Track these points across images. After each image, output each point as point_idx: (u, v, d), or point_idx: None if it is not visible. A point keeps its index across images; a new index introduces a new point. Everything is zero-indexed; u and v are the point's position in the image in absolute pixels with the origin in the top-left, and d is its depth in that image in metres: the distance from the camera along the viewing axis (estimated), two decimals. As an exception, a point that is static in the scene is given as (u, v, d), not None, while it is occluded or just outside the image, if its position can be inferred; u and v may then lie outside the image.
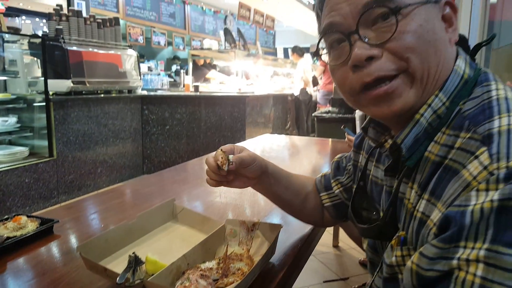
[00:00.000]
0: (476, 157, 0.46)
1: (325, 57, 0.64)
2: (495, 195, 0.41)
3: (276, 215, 1.09)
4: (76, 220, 1.10)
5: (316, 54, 0.67)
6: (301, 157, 2.11)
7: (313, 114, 4.84)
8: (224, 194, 1.29)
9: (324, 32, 0.61)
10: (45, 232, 0.95)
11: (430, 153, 0.55)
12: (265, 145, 2.32)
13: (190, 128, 4.66)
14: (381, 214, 0.69)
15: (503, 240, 0.40)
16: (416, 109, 0.57)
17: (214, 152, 0.78)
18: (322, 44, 0.64)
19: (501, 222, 0.40)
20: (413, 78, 0.55)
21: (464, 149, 0.49)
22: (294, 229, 0.99)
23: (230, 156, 0.75)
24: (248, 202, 1.23)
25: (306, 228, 0.99)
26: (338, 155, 0.94)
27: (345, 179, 0.89)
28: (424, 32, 0.54)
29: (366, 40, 0.55)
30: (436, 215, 0.49)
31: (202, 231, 0.88)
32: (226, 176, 0.77)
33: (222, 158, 0.74)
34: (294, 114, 6.32)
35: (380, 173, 0.71)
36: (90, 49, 4.10)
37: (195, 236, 0.86)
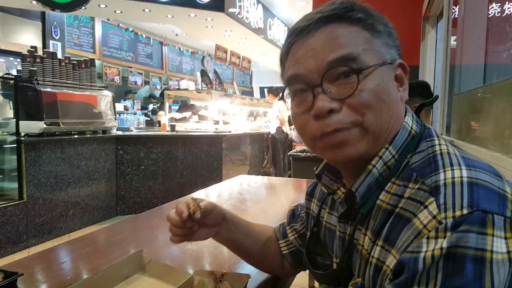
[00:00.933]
0: (426, 207, 0.50)
1: (288, 102, 0.70)
2: (444, 243, 0.45)
3: (245, 263, 1.09)
4: (43, 271, 1.06)
5: (282, 99, 0.72)
6: (276, 198, 2.13)
7: (289, 153, 4.90)
8: (195, 242, 1.28)
9: (290, 81, 0.66)
10: (8, 287, 0.91)
11: (381, 201, 0.59)
12: (241, 186, 2.32)
13: (166, 168, 4.62)
14: (334, 260, 0.72)
15: (451, 285, 0.43)
16: (367, 159, 0.61)
17: (176, 207, 0.78)
18: (287, 90, 0.69)
19: (449, 267, 0.44)
20: (366, 132, 0.60)
21: (414, 198, 0.53)
22: (264, 277, 0.99)
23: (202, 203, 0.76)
24: (220, 247, 1.23)
25: (275, 276, 0.99)
26: (295, 204, 0.97)
27: (299, 225, 0.91)
28: (380, 91, 0.60)
29: (329, 93, 0.60)
30: (391, 261, 0.53)
31: (170, 283, 0.87)
32: (191, 227, 0.78)
33: (193, 205, 0.75)
34: (271, 153, 6.38)
35: (334, 220, 0.74)
36: (65, 90, 4.08)
37: (162, 288, 0.85)
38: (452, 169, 0.52)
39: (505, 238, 0.44)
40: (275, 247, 0.94)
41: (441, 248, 0.45)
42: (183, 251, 1.19)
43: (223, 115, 6.08)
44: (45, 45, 6.16)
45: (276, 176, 6.14)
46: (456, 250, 0.44)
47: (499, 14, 2.16)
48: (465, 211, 0.46)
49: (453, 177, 0.50)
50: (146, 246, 1.23)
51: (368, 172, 0.61)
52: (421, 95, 2.11)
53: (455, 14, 2.68)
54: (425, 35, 3.87)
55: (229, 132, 4.94)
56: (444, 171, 0.52)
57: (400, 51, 0.65)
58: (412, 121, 0.65)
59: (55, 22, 6.55)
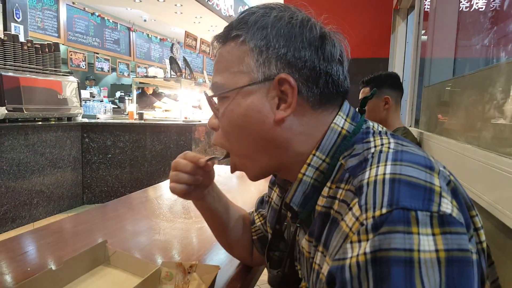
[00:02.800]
0: (350, 209, 0.48)
1: None
2: (367, 247, 0.42)
3: (215, 253, 1.08)
4: (2, 262, 1.01)
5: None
6: (246, 188, 2.12)
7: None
8: (164, 231, 1.26)
9: None
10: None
11: (318, 205, 0.58)
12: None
13: (133, 157, 4.52)
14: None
15: None
16: (288, 168, 0.63)
17: (185, 156, 0.78)
18: None
19: (377, 274, 0.41)
20: (238, 157, 0.66)
21: (344, 200, 0.51)
22: (234, 268, 0.98)
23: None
24: (189, 238, 1.21)
25: (245, 268, 0.99)
26: (265, 192, 0.96)
27: (265, 211, 0.90)
28: (235, 116, 0.61)
29: (215, 112, 0.65)
30: (325, 269, 0.50)
31: (136, 275, 0.84)
32: (197, 177, 0.77)
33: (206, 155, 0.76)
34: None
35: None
36: (28, 75, 3.91)
37: (128, 280, 0.82)
38: (377, 166, 0.49)
39: (433, 234, 0.41)
40: (248, 231, 0.94)
41: (365, 253, 0.42)
42: (151, 242, 1.16)
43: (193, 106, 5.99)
44: (6, 28, 5.84)
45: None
46: (381, 253, 0.41)
47: (467, 8, 2.21)
48: (384, 210, 0.43)
49: (376, 175, 0.48)
50: (112, 236, 1.20)
51: (299, 181, 0.60)
52: (390, 87, 2.14)
53: (426, 7, 2.73)
54: (395, 27, 3.93)
55: (199, 121, 4.88)
56: (370, 169, 0.50)
57: (292, 62, 0.58)
58: (345, 120, 0.62)
59: (16, 4, 6.21)
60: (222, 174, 2.41)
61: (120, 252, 0.89)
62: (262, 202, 0.94)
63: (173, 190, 0.77)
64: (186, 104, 5.18)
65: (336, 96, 0.62)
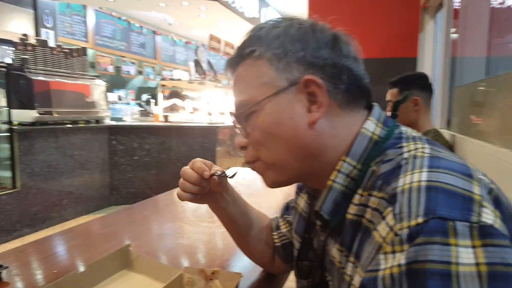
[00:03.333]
0: (384, 218, 0.46)
1: None
2: (401, 259, 0.40)
3: (239, 259, 1.06)
4: (28, 264, 1.03)
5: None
6: (271, 192, 2.08)
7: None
8: (188, 235, 1.25)
9: None
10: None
11: (349, 214, 0.56)
12: (235, 179, 2.28)
13: (159, 159, 4.58)
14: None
15: None
16: (316, 175, 0.61)
17: (193, 165, 0.77)
18: None
19: (412, 287, 0.39)
20: (266, 165, 0.63)
21: (377, 209, 0.49)
22: (257, 276, 0.96)
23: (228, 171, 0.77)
24: (213, 242, 1.20)
25: (269, 276, 0.96)
26: (291, 198, 0.93)
27: (291, 218, 0.88)
28: (266, 126, 0.60)
29: (242, 132, 0.65)
30: (357, 280, 0.49)
31: (158, 280, 0.83)
32: (204, 188, 0.76)
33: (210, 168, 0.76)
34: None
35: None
36: (57, 79, 4.03)
37: (150, 286, 0.82)
38: (412, 173, 0.47)
39: (472, 246, 0.39)
40: (269, 237, 0.91)
41: (400, 265, 0.40)
42: (175, 246, 1.16)
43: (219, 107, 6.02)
44: (37, 33, 6.06)
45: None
46: (416, 266, 0.39)
47: (500, 5, 2.12)
48: (420, 220, 0.41)
49: (411, 182, 0.46)
50: (137, 239, 1.20)
51: (329, 188, 0.59)
52: (419, 87, 2.07)
53: (455, 5, 2.64)
54: (423, 26, 3.83)
55: (223, 123, 4.90)
56: (404, 176, 0.47)
57: (313, 62, 0.58)
58: (376, 125, 0.60)
59: (47, 10, 6.43)
60: (246, 177, 2.39)
61: (143, 257, 0.89)
62: (287, 208, 0.92)
63: (179, 197, 0.76)
64: (210, 105, 5.21)
65: (361, 95, 0.61)
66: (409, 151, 0.53)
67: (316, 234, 0.72)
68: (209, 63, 5.74)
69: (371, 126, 0.59)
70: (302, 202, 0.79)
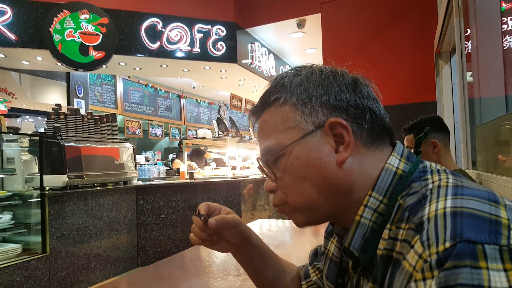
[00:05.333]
0: (412, 247, 0.47)
1: None
2: (432, 285, 0.40)
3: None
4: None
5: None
6: (299, 242, 2.05)
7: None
8: (213, 285, 1.24)
9: None
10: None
11: (379, 249, 0.56)
12: (261, 230, 2.26)
13: (185, 216, 4.61)
14: None
15: None
16: (345, 213, 0.62)
17: (199, 206, 0.79)
18: None
19: None
20: (294, 208, 0.63)
21: (405, 240, 0.49)
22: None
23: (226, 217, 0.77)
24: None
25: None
26: (319, 244, 0.92)
27: (321, 265, 0.86)
28: (295, 169, 0.61)
29: (271, 175, 0.65)
30: None
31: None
32: (211, 235, 0.77)
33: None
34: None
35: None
36: (88, 144, 4.22)
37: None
38: (437, 201, 0.48)
39: (505, 270, 0.38)
40: (297, 287, 0.89)
41: None
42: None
43: (242, 161, 6.10)
44: (69, 103, 6.46)
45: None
46: None
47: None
48: (447, 244, 0.41)
49: (436, 210, 0.46)
50: None
51: (357, 223, 0.59)
52: (435, 130, 2.07)
53: (468, 49, 2.69)
54: (439, 71, 3.88)
55: (247, 177, 4.93)
56: (430, 205, 0.48)
57: (336, 105, 0.61)
58: (400, 160, 0.61)
59: (78, 82, 6.89)
60: (273, 229, 2.38)
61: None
62: (316, 254, 0.90)
63: (190, 240, 0.78)
64: (233, 160, 5.29)
65: (384, 133, 0.63)
66: (433, 182, 0.54)
67: (349, 278, 0.71)
68: (231, 120, 5.92)
69: (395, 162, 0.61)
70: (332, 247, 0.78)
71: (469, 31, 2.54)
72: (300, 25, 6.14)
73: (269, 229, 2.38)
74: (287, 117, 0.62)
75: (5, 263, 3.28)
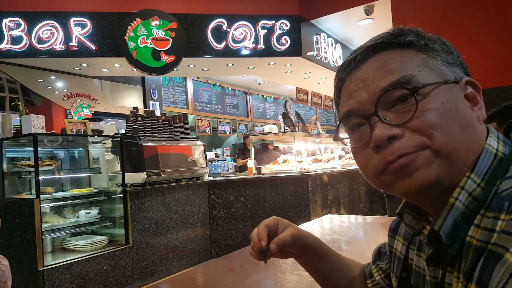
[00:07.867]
0: None
1: (347, 141, 0.64)
2: None
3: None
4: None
5: (336, 139, 0.67)
6: (371, 238, 1.98)
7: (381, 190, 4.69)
8: (280, 283, 1.27)
9: (343, 118, 0.61)
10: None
11: (471, 238, 0.50)
12: (331, 226, 2.22)
13: (254, 210, 4.73)
14: None
15: None
16: (445, 190, 0.54)
17: (258, 228, 0.78)
18: (343, 128, 0.64)
19: None
20: (437, 154, 0.52)
21: (507, 231, 0.45)
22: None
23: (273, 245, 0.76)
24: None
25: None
26: (382, 243, 0.89)
27: (384, 264, 0.84)
28: (447, 110, 0.53)
29: (387, 120, 0.55)
30: None
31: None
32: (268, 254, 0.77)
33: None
34: (365, 191, 6.13)
35: (422, 263, 0.64)
36: (163, 143, 4.50)
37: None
38: None
39: None
40: (362, 285, 0.87)
41: None
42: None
43: (313, 155, 6.08)
44: (145, 105, 6.90)
45: (371, 215, 5.86)
46: None
47: None
48: None
49: None
50: (235, 287, 1.25)
51: (451, 206, 0.52)
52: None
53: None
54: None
55: (315, 171, 4.92)
56: None
57: (465, 68, 0.59)
58: (498, 142, 0.56)
59: (153, 85, 7.32)
60: (344, 224, 2.31)
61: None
62: (379, 253, 0.87)
63: (251, 255, 0.78)
64: (300, 154, 5.30)
65: None
66: None
67: (415, 273, 0.68)
68: (297, 115, 5.92)
69: (494, 143, 0.55)
70: (399, 245, 0.75)
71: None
72: (368, 12, 5.95)
73: (339, 224, 2.32)
74: (426, 61, 0.56)
75: (94, 254, 3.65)
